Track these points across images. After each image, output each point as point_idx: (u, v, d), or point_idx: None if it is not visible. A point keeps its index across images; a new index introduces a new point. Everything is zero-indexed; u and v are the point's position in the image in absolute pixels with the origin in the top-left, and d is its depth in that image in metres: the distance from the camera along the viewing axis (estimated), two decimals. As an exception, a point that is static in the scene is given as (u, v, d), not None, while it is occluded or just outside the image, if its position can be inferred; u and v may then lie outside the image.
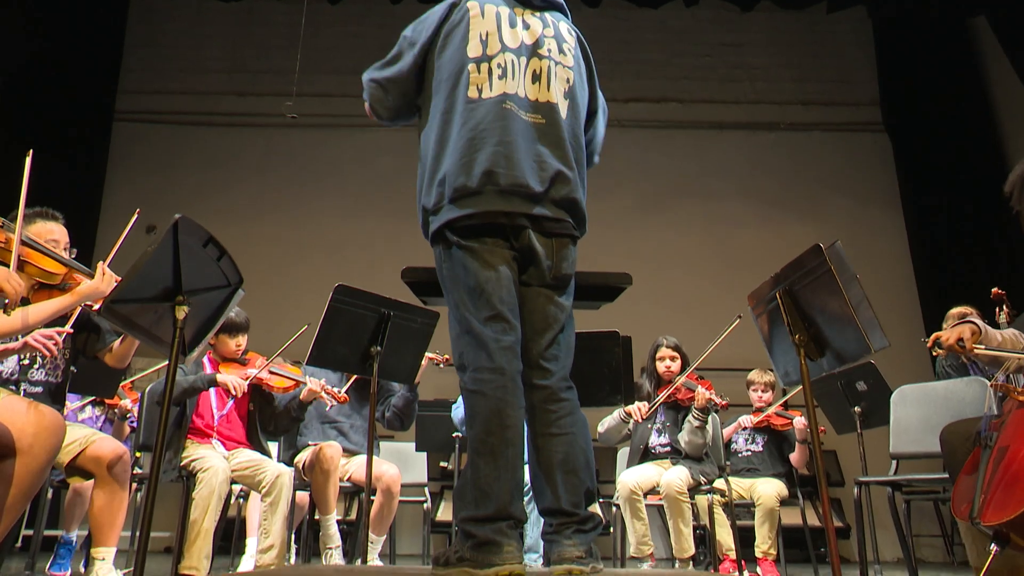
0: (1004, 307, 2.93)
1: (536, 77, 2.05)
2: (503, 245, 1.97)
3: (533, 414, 1.98)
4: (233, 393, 3.44)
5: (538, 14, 2.13)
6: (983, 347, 2.08)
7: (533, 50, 2.07)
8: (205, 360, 3.66)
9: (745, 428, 4.58)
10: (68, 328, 2.62)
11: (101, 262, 2.50)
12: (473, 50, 2.04)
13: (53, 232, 2.60)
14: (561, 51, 2.12)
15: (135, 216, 2.72)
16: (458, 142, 1.97)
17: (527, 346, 2.00)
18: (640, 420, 4.22)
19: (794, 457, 4.50)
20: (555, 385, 1.99)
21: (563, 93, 2.09)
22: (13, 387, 2.56)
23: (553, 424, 1.95)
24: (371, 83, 2.14)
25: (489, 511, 1.79)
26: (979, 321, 2.14)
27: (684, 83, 8.14)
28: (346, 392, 3.98)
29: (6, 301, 2.01)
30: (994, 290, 2.82)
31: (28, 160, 2.23)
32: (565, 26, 2.19)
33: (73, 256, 2.55)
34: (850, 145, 7.95)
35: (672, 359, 4.33)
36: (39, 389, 2.69)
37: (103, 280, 2.40)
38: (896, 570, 4.64)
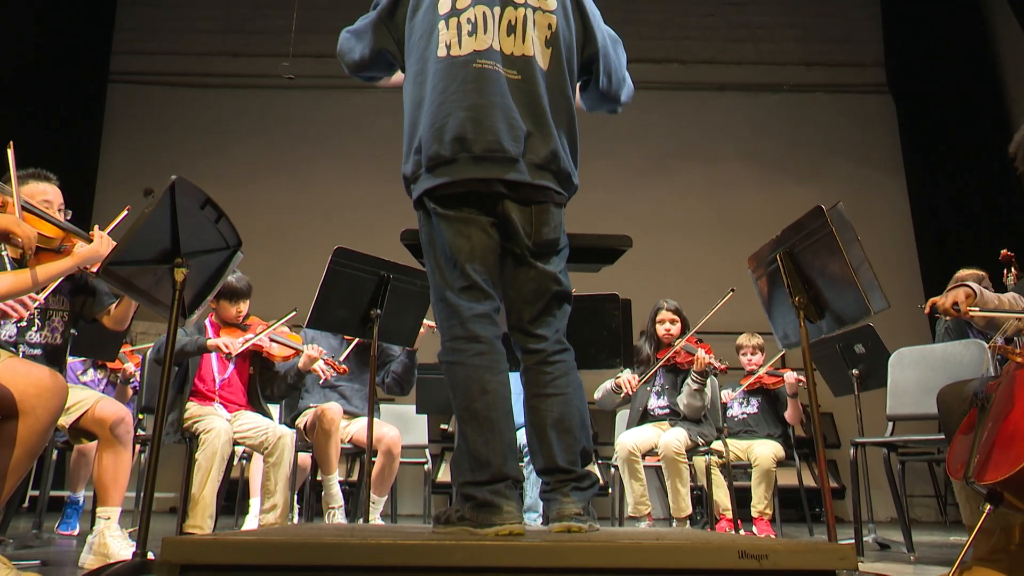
0: (1012, 268, 2.91)
1: (511, 28, 1.94)
2: (481, 212, 1.91)
3: (528, 376, 1.98)
4: (226, 351, 3.45)
5: None
6: (978, 309, 2.09)
7: None
8: (207, 324, 3.67)
9: (734, 397, 4.63)
10: (41, 298, 2.61)
11: (97, 227, 2.49)
12: (443, 6, 1.96)
13: (47, 193, 2.57)
14: None
15: (124, 211, 2.71)
16: (430, 106, 1.91)
17: (518, 315, 1.99)
18: (631, 393, 4.27)
19: (788, 414, 4.54)
20: (549, 348, 1.98)
21: (544, 41, 1.98)
22: (13, 349, 2.57)
23: (548, 385, 1.94)
24: (344, 33, 2.15)
25: (485, 476, 1.79)
26: (974, 285, 2.15)
27: (686, 43, 8.02)
28: (346, 356, 4.01)
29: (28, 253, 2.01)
30: (1003, 251, 2.80)
31: (11, 153, 2.20)
32: None
33: (68, 218, 2.53)
34: (853, 107, 7.86)
35: (672, 322, 4.35)
36: (38, 351, 2.69)
37: (101, 243, 2.39)
38: (890, 529, 4.71)
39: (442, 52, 1.93)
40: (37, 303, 2.55)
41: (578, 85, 2.17)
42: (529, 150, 1.91)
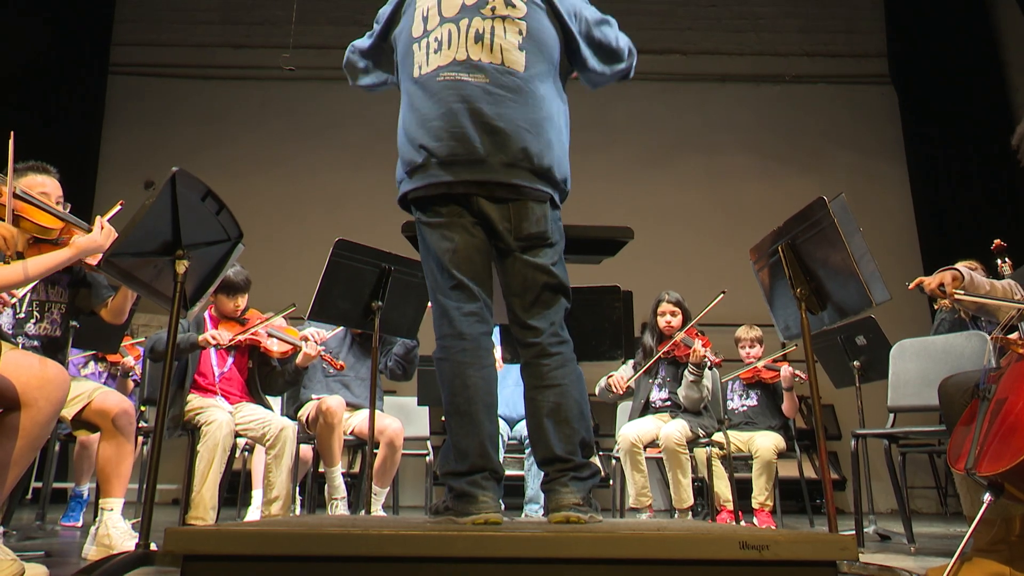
0: (1006, 258, 2.91)
1: (479, 36, 2.05)
2: (461, 213, 2.01)
3: (527, 370, 2.04)
4: (214, 343, 3.45)
5: None
6: (963, 292, 2.10)
7: (475, 11, 2.07)
8: (206, 317, 3.67)
9: (735, 387, 4.64)
10: (19, 293, 2.61)
11: (100, 216, 2.48)
12: (416, 29, 2.13)
13: (45, 186, 2.55)
14: (510, 3, 2.08)
15: (118, 206, 2.71)
16: (408, 120, 2.08)
17: (512, 308, 2.07)
18: (620, 393, 4.27)
19: (784, 407, 4.54)
20: (545, 341, 2.02)
21: (516, 46, 2.06)
22: (13, 341, 2.57)
23: (545, 377, 2.00)
24: (349, 49, 2.35)
25: (464, 467, 1.91)
26: (963, 269, 2.16)
27: (688, 34, 7.99)
28: (349, 343, 4.00)
29: (6, 253, 2.01)
30: (996, 241, 2.80)
31: (11, 144, 2.19)
32: None
33: (67, 211, 2.52)
34: (855, 98, 7.84)
35: (673, 314, 4.34)
36: (36, 343, 2.69)
37: (102, 234, 2.38)
38: (890, 520, 4.73)
39: (416, 72, 2.09)
40: (15, 298, 2.55)
41: (574, 74, 2.27)
42: (499, 149, 1.97)
